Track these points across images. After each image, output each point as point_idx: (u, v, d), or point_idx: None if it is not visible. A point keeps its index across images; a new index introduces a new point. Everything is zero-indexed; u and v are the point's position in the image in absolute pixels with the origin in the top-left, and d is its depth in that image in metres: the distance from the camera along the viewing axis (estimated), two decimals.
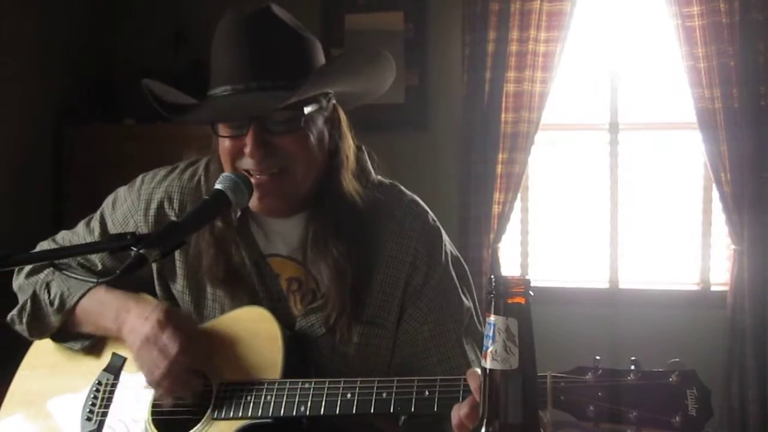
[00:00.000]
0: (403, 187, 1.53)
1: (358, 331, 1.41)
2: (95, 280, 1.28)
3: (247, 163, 1.34)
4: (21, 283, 1.57)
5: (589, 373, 1.11)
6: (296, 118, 1.33)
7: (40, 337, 1.55)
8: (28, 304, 1.52)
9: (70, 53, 3.82)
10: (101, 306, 1.47)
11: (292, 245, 1.45)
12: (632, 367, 1.10)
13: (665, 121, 3.84)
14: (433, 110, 3.88)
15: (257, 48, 1.33)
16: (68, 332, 1.53)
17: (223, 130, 1.35)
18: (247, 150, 1.32)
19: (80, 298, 1.48)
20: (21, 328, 1.54)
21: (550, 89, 3.64)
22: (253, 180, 1.33)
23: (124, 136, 3.65)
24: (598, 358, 1.12)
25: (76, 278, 1.40)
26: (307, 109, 1.34)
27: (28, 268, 1.57)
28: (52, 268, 1.53)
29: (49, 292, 1.51)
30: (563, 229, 3.93)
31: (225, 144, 1.36)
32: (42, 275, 1.54)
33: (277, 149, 1.33)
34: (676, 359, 1.10)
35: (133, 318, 1.40)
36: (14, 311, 1.54)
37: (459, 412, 1.13)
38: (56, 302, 1.49)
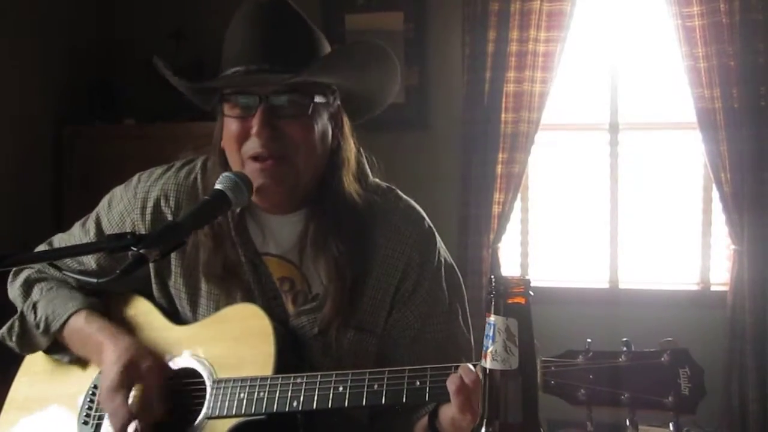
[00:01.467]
0: (399, 192, 1.52)
1: (348, 336, 1.41)
2: (95, 280, 1.28)
3: (252, 145, 1.34)
4: (14, 296, 1.58)
5: (580, 356, 1.11)
6: (305, 105, 1.35)
7: (31, 353, 1.57)
8: (17, 324, 1.54)
9: (70, 53, 3.82)
10: (81, 336, 1.48)
11: (286, 245, 1.45)
12: (623, 349, 1.10)
13: (665, 121, 3.84)
14: (433, 110, 3.88)
15: (272, 31, 1.35)
16: (57, 348, 1.54)
17: (231, 110, 1.36)
18: (254, 130, 1.32)
19: (63, 324, 1.49)
20: (12, 344, 1.56)
21: (550, 89, 3.64)
22: (256, 165, 1.34)
23: (124, 136, 3.66)
24: (589, 340, 1.12)
25: (76, 277, 1.40)
26: (316, 98, 1.35)
27: (21, 279, 1.58)
28: (43, 284, 1.55)
29: (35, 313, 1.52)
30: (563, 229, 3.93)
31: (232, 127, 1.36)
32: (33, 292, 1.55)
33: (283, 134, 1.34)
34: (669, 338, 1.09)
35: (105, 361, 1.41)
36: (4, 329, 1.56)
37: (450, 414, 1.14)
38: (41, 325, 1.50)
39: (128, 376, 1.37)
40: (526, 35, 3.62)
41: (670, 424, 1.06)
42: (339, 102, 1.44)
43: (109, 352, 1.41)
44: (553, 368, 1.11)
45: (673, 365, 1.07)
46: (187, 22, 3.79)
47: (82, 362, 1.54)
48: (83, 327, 1.48)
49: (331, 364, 1.38)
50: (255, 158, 1.34)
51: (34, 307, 1.52)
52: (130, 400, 1.36)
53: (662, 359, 1.07)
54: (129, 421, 1.33)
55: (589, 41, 3.83)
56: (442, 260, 1.48)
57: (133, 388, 1.37)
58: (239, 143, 1.35)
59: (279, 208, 1.44)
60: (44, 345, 1.53)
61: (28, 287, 1.56)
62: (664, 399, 1.05)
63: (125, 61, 3.83)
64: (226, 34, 1.40)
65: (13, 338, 1.54)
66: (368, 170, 1.52)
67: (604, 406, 1.08)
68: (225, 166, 1.40)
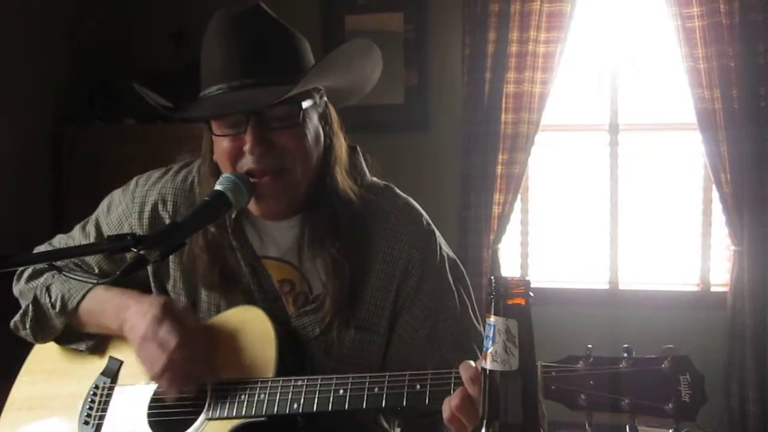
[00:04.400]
0: (397, 189, 1.52)
1: (350, 335, 1.41)
2: (95, 281, 1.28)
3: (247, 162, 1.33)
4: (21, 288, 1.57)
5: (580, 362, 1.10)
6: (294, 114, 1.33)
7: (45, 340, 1.55)
8: (30, 309, 1.52)
9: (70, 53, 3.83)
10: (101, 305, 1.47)
11: (286, 247, 1.45)
12: (624, 355, 1.09)
13: (665, 122, 3.85)
14: (433, 111, 3.88)
15: (250, 44, 1.33)
16: (72, 333, 1.53)
17: (220, 129, 1.34)
18: (247, 147, 1.31)
19: (81, 298, 1.47)
20: (25, 333, 1.54)
21: (550, 90, 3.64)
22: (254, 182, 1.33)
23: (124, 136, 3.65)
24: (590, 346, 1.11)
25: (77, 279, 1.40)
26: (304, 104, 1.34)
27: (27, 272, 1.57)
28: (51, 272, 1.53)
29: (50, 295, 1.50)
30: (563, 229, 3.93)
31: (223, 145, 1.35)
32: (42, 279, 1.54)
33: (276, 146, 1.33)
34: (670, 345, 1.09)
35: (133, 315, 1.40)
36: (17, 317, 1.54)
37: (450, 404, 1.13)
38: (58, 305, 1.49)
39: (168, 310, 1.36)
40: (526, 36, 3.62)
41: (670, 431, 1.05)
42: (326, 98, 1.43)
43: (134, 308, 1.40)
44: (553, 373, 1.10)
45: (674, 372, 1.06)
46: (187, 22, 3.78)
47: (84, 361, 1.53)
48: (102, 296, 1.46)
49: (334, 365, 1.38)
50: (250, 174, 1.33)
51: (48, 289, 1.51)
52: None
53: (663, 366, 1.07)
54: (183, 344, 1.32)
55: (589, 42, 3.83)
56: (445, 255, 1.47)
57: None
58: (233, 161, 1.34)
59: (279, 216, 1.44)
60: (60, 327, 1.51)
61: (37, 276, 1.55)
62: (665, 406, 1.05)
63: (125, 61, 3.83)
64: (202, 50, 1.37)
65: (27, 324, 1.52)
66: (365, 169, 1.51)
67: (604, 412, 1.08)
68: (217, 175, 1.37)
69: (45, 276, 1.54)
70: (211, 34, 1.37)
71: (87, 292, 1.48)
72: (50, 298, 1.50)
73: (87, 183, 3.46)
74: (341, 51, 1.37)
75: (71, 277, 1.44)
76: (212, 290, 1.45)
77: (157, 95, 1.40)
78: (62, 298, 1.49)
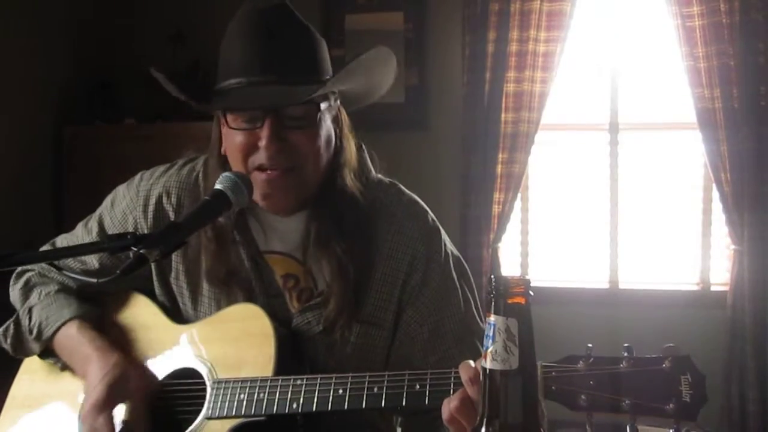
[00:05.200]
0: (402, 187, 1.52)
1: (355, 330, 1.41)
2: (95, 281, 1.27)
3: (260, 157, 1.33)
4: (14, 298, 1.58)
5: (581, 362, 1.10)
6: (312, 114, 1.34)
7: (24, 357, 1.57)
8: (11, 327, 1.54)
9: (70, 53, 3.83)
10: (70, 345, 1.48)
11: (291, 243, 1.45)
12: (625, 354, 1.09)
13: (665, 121, 3.85)
14: (433, 110, 3.88)
15: (275, 41, 1.33)
16: (50, 353, 1.54)
17: (235, 123, 1.34)
18: (263, 143, 1.31)
19: (55, 331, 1.49)
20: (6, 346, 1.56)
21: (550, 89, 3.65)
22: (263, 176, 1.33)
23: (124, 136, 3.65)
24: (590, 345, 1.11)
25: (76, 278, 1.40)
26: (322, 106, 1.35)
27: (22, 281, 1.57)
28: (42, 288, 1.54)
29: (30, 318, 1.52)
30: (563, 229, 3.93)
31: (237, 138, 1.35)
32: (32, 295, 1.55)
33: (291, 145, 1.33)
34: (671, 344, 1.09)
35: (90, 376, 1.41)
36: (1, 329, 1.56)
37: (449, 405, 1.12)
38: (35, 331, 1.50)
39: (114, 394, 1.37)
40: (526, 35, 3.62)
41: (671, 431, 1.05)
42: (338, 101, 1.44)
43: (95, 368, 1.41)
44: (553, 373, 1.10)
45: (675, 372, 1.06)
46: (187, 23, 3.79)
47: None
48: (73, 336, 1.48)
49: (336, 362, 1.38)
50: (261, 168, 1.34)
51: (30, 312, 1.53)
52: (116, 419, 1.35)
53: (663, 365, 1.06)
54: None
55: (589, 41, 3.83)
56: (449, 252, 1.48)
57: (118, 408, 1.37)
58: (245, 155, 1.34)
59: (285, 212, 1.44)
60: (36, 351, 1.53)
61: (27, 291, 1.56)
62: (665, 406, 1.04)
63: (125, 61, 3.83)
64: (224, 42, 1.37)
65: (8, 341, 1.55)
66: (370, 166, 1.52)
67: (604, 412, 1.08)
68: (224, 168, 1.39)
69: (34, 293, 1.55)
70: (235, 24, 1.37)
71: (60, 326, 1.48)
72: (30, 321, 1.52)
73: (87, 183, 3.45)
74: (367, 58, 1.38)
75: (71, 276, 1.44)
76: (215, 285, 1.45)
77: (176, 86, 1.39)
78: (39, 325, 1.50)
